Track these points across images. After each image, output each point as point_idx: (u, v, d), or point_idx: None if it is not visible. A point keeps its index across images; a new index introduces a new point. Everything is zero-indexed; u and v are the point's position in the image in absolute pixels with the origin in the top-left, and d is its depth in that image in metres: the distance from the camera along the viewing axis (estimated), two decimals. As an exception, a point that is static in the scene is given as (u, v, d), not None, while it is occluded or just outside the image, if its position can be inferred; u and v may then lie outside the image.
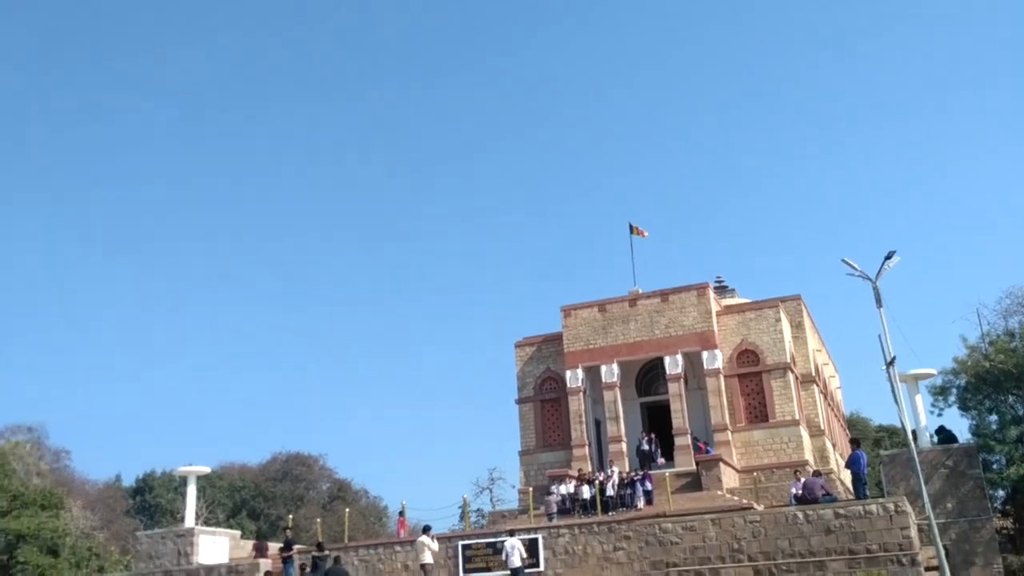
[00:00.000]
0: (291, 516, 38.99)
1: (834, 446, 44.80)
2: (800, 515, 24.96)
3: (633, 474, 34.96)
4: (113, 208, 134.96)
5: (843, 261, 25.96)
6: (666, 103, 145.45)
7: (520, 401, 43.54)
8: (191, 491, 32.30)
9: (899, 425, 28.81)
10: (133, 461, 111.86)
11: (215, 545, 30.22)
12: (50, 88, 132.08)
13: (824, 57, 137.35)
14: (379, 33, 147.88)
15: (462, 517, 51.96)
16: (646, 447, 39.14)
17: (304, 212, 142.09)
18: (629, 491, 33.58)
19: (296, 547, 28.25)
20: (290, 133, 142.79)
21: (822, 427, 42.47)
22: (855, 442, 28.15)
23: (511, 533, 26.08)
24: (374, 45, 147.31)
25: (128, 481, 74.35)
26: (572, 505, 34.15)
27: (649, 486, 33.46)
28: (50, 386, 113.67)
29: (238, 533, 32.72)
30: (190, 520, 31.58)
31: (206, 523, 44.45)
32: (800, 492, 26.54)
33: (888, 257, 25.23)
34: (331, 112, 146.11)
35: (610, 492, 33.39)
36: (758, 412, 39.79)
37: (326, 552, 27.13)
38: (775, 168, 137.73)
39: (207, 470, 34.93)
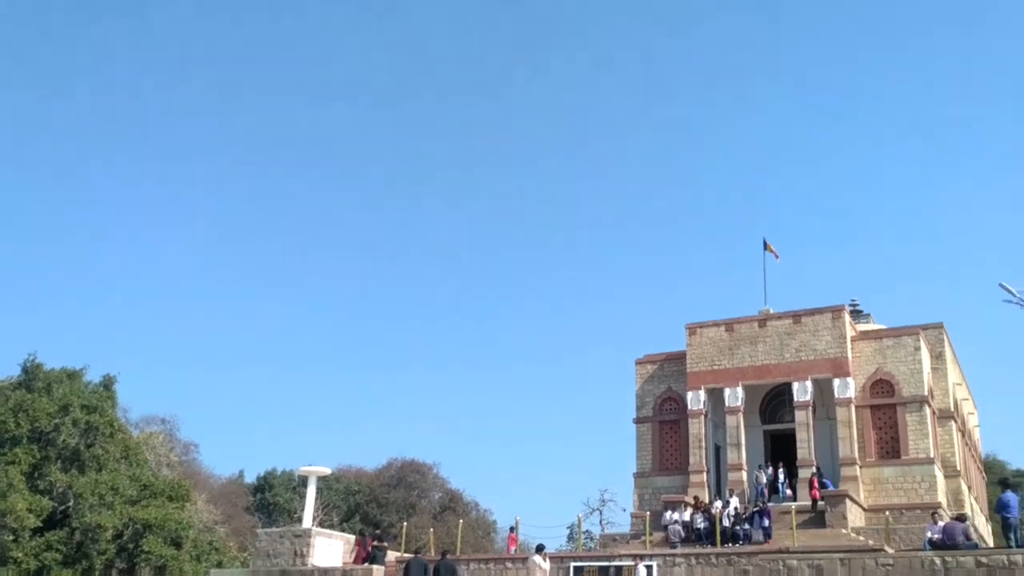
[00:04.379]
0: (404, 524, 39.16)
1: (970, 489, 42.11)
2: (938, 561, 23.31)
3: (753, 506, 33.61)
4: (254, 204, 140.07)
5: (1000, 286, 24.36)
6: (805, 117, 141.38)
7: (638, 421, 42.57)
8: (311, 491, 32.59)
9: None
10: (256, 458, 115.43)
11: (330, 548, 30.44)
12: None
13: (950, 86, 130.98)
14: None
15: (571, 538, 50.98)
16: (771, 478, 37.65)
17: (420, 232, 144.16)
18: (747, 526, 32.15)
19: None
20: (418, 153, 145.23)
21: (958, 468, 39.93)
22: (1005, 483, 26.03)
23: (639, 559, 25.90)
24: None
25: (250, 478, 76.73)
26: (687, 533, 33.07)
27: (767, 522, 32.01)
28: (185, 380, 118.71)
29: (352, 538, 32.88)
30: (308, 520, 31.87)
31: (321, 524, 45.04)
32: (938, 536, 24.80)
33: (1051, 285, 23.43)
34: (459, 128, 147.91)
35: (726, 523, 32.13)
36: (890, 447, 37.70)
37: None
38: (921, 187, 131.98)
39: (327, 471, 35.28)
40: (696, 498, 36.21)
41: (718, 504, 34.17)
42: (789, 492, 37.22)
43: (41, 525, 36.26)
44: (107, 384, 43.73)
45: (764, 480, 37.47)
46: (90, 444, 39.47)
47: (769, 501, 35.07)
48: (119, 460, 40.91)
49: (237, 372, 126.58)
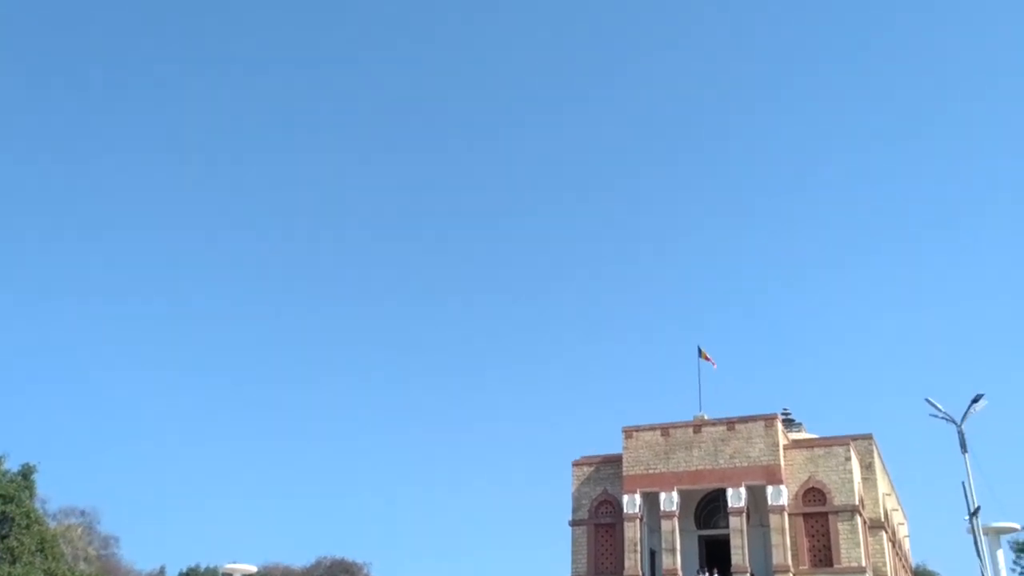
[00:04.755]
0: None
1: (901, 599, 42.44)
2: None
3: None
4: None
5: (926, 400, 25.15)
6: (742, 232, 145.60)
7: (574, 523, 42.35)
8: (235, 590, 31.56)
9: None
10: (179, 553, 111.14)
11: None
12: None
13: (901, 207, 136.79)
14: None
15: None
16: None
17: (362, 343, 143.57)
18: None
19: None
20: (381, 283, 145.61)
21: (889, 577, 40.35)
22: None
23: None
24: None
25: (172, 574, 73.74)
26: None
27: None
28: (107, 470, 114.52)
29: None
30: (231, 621, 30.74)
31: (245, 625, 43.24)
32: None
33: (976, 400, 24.27)
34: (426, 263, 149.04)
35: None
36: (822, 555, 38.03)
37: None
38: (854, 303, 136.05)
39: (253, 569, 34.26)
40: (630, 604, 35.88)
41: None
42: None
43: (-55, 621, 34.36)
44: (26, 473, 42.12)
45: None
46: (4, 535, 37.82)
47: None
48: (34, 553, 39.11)
49: (162, 463, 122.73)
